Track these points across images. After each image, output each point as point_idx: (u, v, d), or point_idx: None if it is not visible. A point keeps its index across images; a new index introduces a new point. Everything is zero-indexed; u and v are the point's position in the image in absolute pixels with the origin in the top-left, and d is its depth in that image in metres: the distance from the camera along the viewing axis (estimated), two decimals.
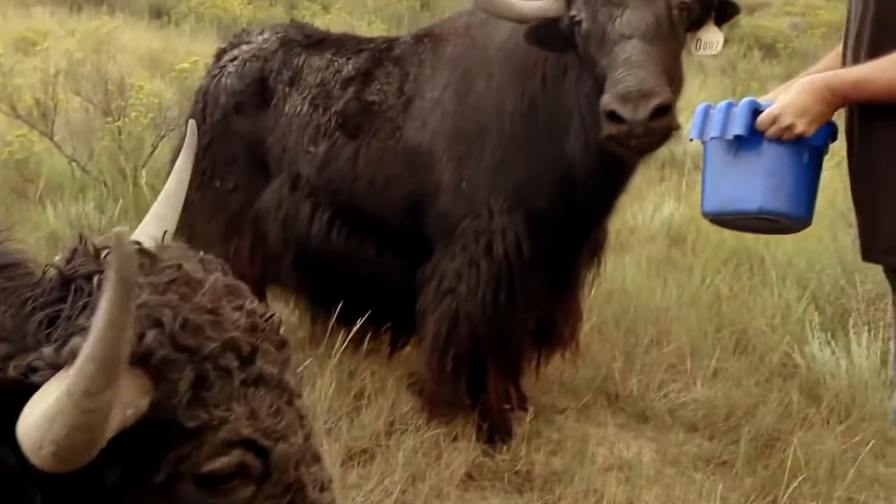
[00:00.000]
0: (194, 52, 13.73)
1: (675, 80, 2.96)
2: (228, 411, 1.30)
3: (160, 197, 1.82)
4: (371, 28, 14.26)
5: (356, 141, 3.77)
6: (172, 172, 1.88)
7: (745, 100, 2.55)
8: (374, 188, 3.75)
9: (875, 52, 2.36)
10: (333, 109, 3.84)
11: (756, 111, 2.48)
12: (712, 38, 3.14)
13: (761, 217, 2.55)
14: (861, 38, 2.44)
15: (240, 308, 1.40)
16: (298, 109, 3.94)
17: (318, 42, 4.15)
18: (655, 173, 7.67)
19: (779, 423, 3.97)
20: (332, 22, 13.00)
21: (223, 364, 1.31)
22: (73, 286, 1.36)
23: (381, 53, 3.91)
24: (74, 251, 1.43)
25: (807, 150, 2.49)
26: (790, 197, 2.51)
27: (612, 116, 2.76)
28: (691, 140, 2.62)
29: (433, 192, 3.59)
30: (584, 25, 2.98)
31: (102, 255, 1.42)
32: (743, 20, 24.16)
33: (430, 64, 3.71)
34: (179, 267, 1.39)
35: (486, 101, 3.48)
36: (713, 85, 14.20)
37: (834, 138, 2.54)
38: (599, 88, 2.90)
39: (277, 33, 4.26)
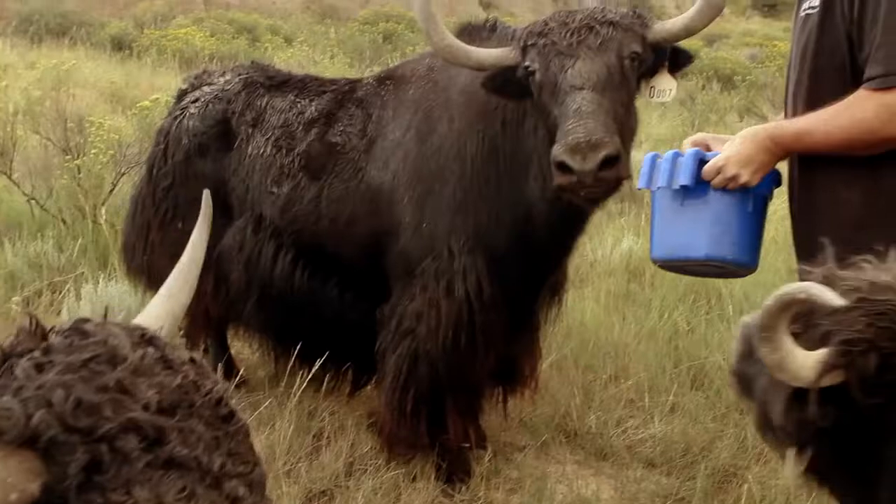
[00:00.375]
0: (156, 86, 13.80)
1: (626, 130, 3.00)
2: (127, 496, 1.20)
3: (174, 272, 1.79)
4: (333, 62, 14.34)
5: (319, 182, 3.80)
6: (189, 244, 1.89)
7: (691, 150, 2.63)
8: (336, 228, 3.78)
9: (812, 102, 2.44)
10: (297, 151, 3.88)
11: (702, 161, 2.55)
12: (666, 85, 3.17)
13: (708, 263, 2.62)
14: (799, 88, 2.53)
15: (161, 385, 1.30)
16: (262, 150, 3.97)
17: (281, 83, 4.18)
18: (615, 207, 7.75)
19: (735, 459, 4.02)
20: (294, 56, 13.04)
21: (121, 446, 1.22)
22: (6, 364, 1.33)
23: (343, 95, 3.95)
24: (20, 329, 1.39)
25: (751, 199, 2.56)
26: (735, 244, 2.58)
27: (562, 167, 2.80)
28: (639, 189, 2.68)
29: (394, 233, 3.63)
30: (538, 76, 3.03)
31: (46, 335, 1.34)
32: (702, 52, 24.61)
33: (392, 106, 3.75)
34: (105, 343, 1.31)
35: (447, 143, 3.52)
36: (672, 117, 14.38)
37: (778, 184, 2.62)
38: (552, 137, 2.94)
39: (240, 74, 4.30)
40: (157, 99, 6.53)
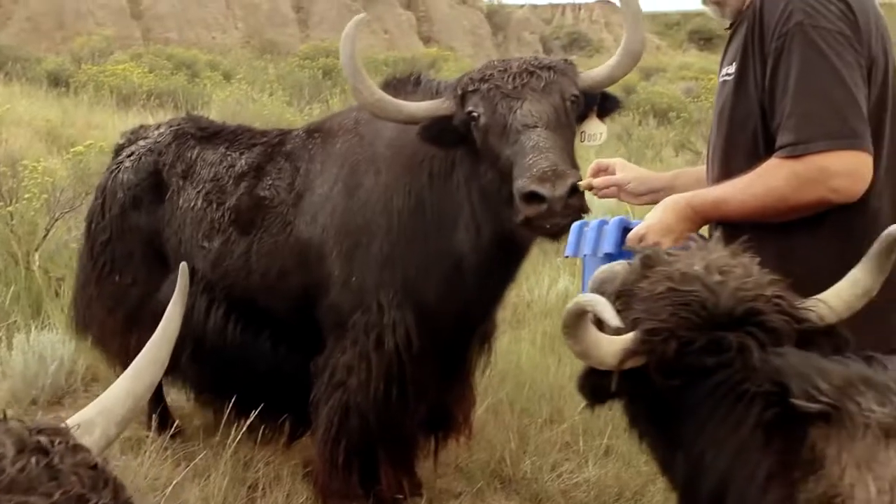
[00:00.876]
0: (93, 124, 13.70)
1: (575, 166, 3.09)
2: None
3: (145, 348, 1.73)
4: (272, 99, 14.32)
5: (249, 236, 3.83)
6: (163, 319, 1.84)
7: (615, 219, 2.71)
8: (267, 283, 3.81)
9: (726, 168, 2.53)
10: (227, 205, 3.91)
11: (626, 229, 2.63)
12: (596, 129, 3.30)
13: None
14: (716, 152, 2.62)
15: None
16: (193, 204, 4.00)
17: (212, 135, 4.22)
18: (551, 247, 7.82)
19: (667, 503, 4.07)
20: (232, 94, 13.01)
21: None
22: None
23: (273, 148, 3.98)
24: None
25: None
26: None
27: (532, 197, 2.84)
28: (566, 257, 2.74)
29: (324, 287, 3.65)
30: (483, 119, 3.10)
31: None
32: (639, 86, 25.03)
33: (319, 159, 3.79)
34: None
35: (373, 197, 3.56)
36: (609, 153, 14.54)
37: None
38: (502, 178, 3.01)
39: (171, 126, 4.34)
40: (91, 144, 6.48)
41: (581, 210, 2.94)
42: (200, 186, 4.00)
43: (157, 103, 15.46)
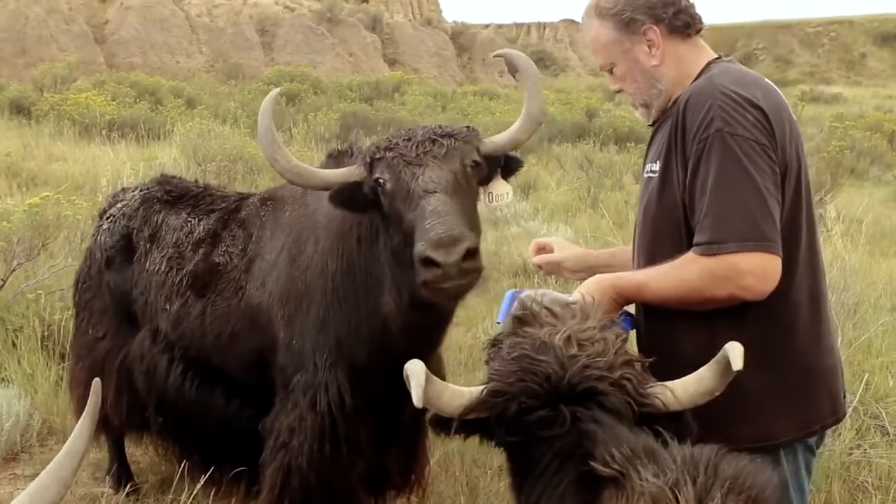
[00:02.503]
0: (55, 155, 13.70)
1: (475, 228, 3.15)
2: None
3: (48, 467, 1.67)
4: (234, 130, 14.35)
5: (204, 299, 3.96)
6: (72, 436, 1.74)
7: (508, 292, 2.84)
8: (220, 343, 3.92)
9: (652, 258, 2.65)
10: (185, 270, 4.06)
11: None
12: (502, 189, 3.42)
13: None
14: (642, 242, 2.75)
15: None
16: (157, 268, 4.18)
17: (177, 199, 4.39)
18: (507, 288, 7.89)
19: None
20: (193, 128, 13.03)
21: None
22: None
23: (229, 215, 4.14)
24: None
25: None
26: None
27: (428, 262, 2.90)
28: (498, 323, 2.84)
29: (272, 349, 3.77)
30: (388, 185, 3.19)
31: None
32: (602, 109, 25.29)
33: (269, 227, 3.93)
34: None
35: (313, 263, 3.69)
36: (570, 180, 14.75)
37: (633, 327, 2.80)
38: (406, 242, 3.11)
39: (141, 191, 4.54)
40: (47, 196, 6.50)
41: (478, 271, 2.99)
42: (165, 251, 4.18)
43: (119, 134, 15.45)
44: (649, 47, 2.72)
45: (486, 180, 3.38)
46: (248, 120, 16.81)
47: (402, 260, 3.21)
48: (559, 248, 3.18)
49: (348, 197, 3.33)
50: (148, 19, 36.04)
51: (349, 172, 3.36)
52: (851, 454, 4.71)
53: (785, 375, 2.64)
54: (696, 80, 2.69)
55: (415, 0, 56.66)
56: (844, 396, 2.84)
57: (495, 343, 2.29)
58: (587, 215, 11.77)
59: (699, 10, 2.77)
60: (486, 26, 67.94)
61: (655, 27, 2.71)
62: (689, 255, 2.51)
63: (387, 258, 3.42)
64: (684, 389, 2.13)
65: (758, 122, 2.48)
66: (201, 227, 4.15)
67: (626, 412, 2.03)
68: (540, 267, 3.24)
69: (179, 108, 18.66)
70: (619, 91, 2.86)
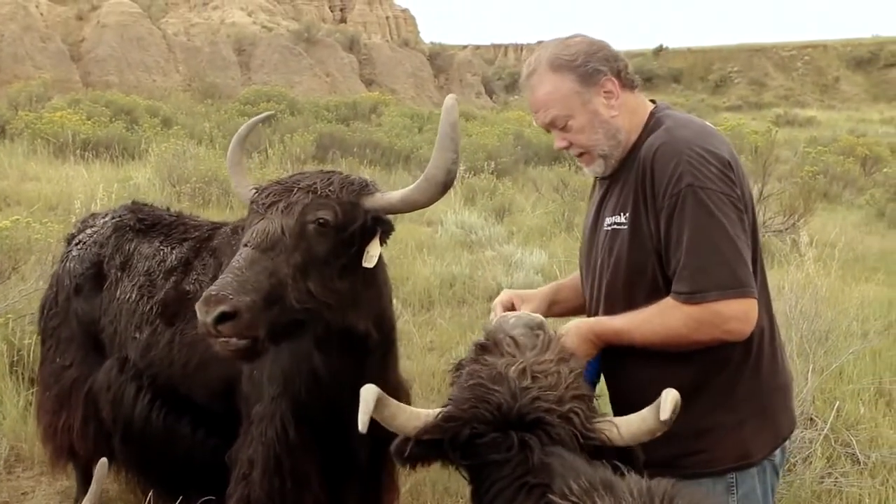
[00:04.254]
0: (28, 175, 13.59)
1: (253, 292, 2.93)
2: None
3: None
4: (209, 151, 14.30)
5: (173, 328, 3.94)
6: None
7: (515, 314, 2.82)
8: (187, 372, 3.90)
9: (629, 305, 2.69)
10: (156, 298, 4.04)
11: None
12: (374, 251, 3.22)
13: None
14: (613, 290, 2.78)
15: None
16: (128, 296, 4.14)
17: (149, 227, 4.35)
18: (481, 315, 7.92)
19: None
20: (168, 149, 12.99)
21: None
22: None
23: (201, 244, 4.11)
24: None
25: None
26: None
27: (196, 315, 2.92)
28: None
29: (237, 378, 3.76)
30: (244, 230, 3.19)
31: None
32: None
33: None
34: None
35: None
36: (546, 202, 14.78)
37: (598, 366, 2.81)
38: None
39: (114, 218, 4.48)
40: (17, 220, 6.46)
41: (237, 337, 2.89)
42: (136, 279, 4.14)
43: (93, 153, 15.37)
44: (607, 98, 2.74)
45: (370, 235, 3.21)
46: (224, 140, 16.71)
47: None
48: (526, 302, 3.07)
49: None
50: (125, 38, 35.95)
51: (244, 194, 3.42)
52: (822, 482, 4.72)
53: (758, 395, 2.73)
54: (646, 129, 2.74)
55: (392, 21, 56.95)
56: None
57: (458, 368, 2.38)
58: (561, 238, 11.79)
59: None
60: (464, 47, 68.31)
61: (614, 78, 2.74)
62: (671, 302, 2.58)
63: None
64: (627, 427, 2.21)
65: (721, 173, 2.57)
66: (174, 256, 4.13)
67: (571, 444, 2.12)
68: None
69: (155, 127, 18.57)
70: (566, 148, 2.80)
